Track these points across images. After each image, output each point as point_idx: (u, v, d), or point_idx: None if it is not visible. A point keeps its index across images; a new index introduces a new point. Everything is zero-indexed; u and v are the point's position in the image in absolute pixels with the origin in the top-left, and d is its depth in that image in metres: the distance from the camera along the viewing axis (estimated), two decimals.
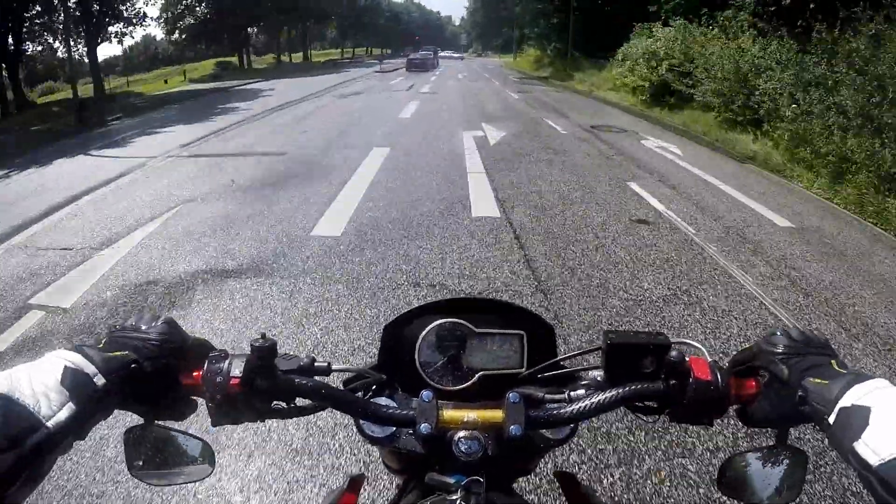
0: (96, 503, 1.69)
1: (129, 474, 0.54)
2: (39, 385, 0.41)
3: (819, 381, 0.47)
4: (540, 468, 1.69)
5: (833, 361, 0.50)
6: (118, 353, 0.48)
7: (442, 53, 57.70)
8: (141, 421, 0.53)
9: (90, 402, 0.43)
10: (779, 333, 0.53)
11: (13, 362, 2.27)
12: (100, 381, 0.45)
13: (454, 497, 0.51)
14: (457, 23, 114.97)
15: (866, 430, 0.41)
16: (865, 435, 0.40)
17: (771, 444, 0.55)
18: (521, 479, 0.72)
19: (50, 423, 0.40)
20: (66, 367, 0.43)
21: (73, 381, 0.43)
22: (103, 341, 0.51)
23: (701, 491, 1.73)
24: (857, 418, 0.42)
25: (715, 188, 5.35)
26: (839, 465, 1.79)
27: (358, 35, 64.67)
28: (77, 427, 0.42)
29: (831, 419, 0.44)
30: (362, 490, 0.86)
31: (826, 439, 0.45)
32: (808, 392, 0.47)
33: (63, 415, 0.41)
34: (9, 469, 0.36)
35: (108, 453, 1.85)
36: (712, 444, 1.91)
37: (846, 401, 0.43)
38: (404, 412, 0.56)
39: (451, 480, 0.54)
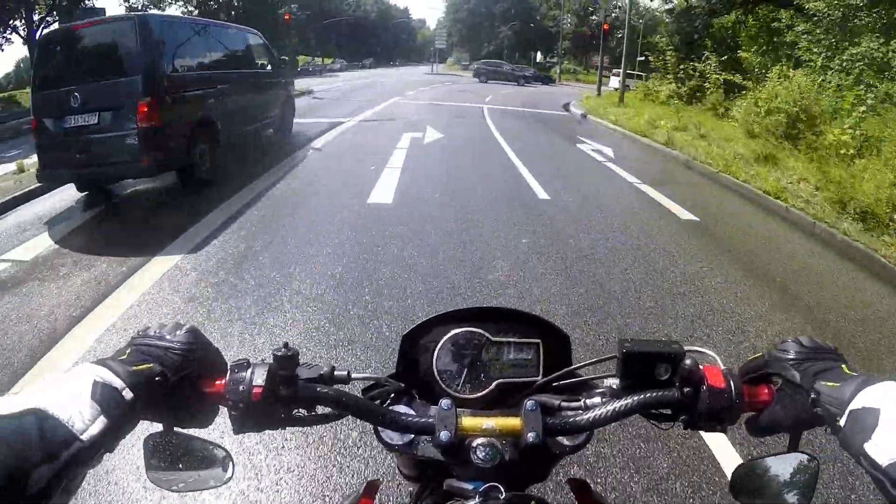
0: None
1: (148, 479, 0.55)
2: (72, 400, 0.42)
3: (831, 383, 0.48)
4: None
5: (843, 366, 0.50)
6: (143, 367, 0.49)
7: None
8: (160, 427, 0.54)
9: (120, 416, 0.44)
10: (790, 341, 0.54)
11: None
12: (128, 394, 0.45)
13: (472, 503, 0.52)
14: (432, 27, 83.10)
15: (876, 431, 0.41)
16: (876, 436, 0.41)
17: (783, 450, 0.55)
18: (534, 486, 0.72)
19: (84, 437, 0.40)
20: (95, 382, 0.44)
21: (103, 396, 0.44)
22: (127, 351, 0.52)
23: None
24: (868, 420, 0.42)
25: None
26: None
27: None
28: (108, 440, 0.43)
29: (842, 422, 0.45)
30: (377, 496, 0.87)
31: (838, 442, 0.46)
32: (821, 394, 0.48)
33: (96, 429, 0.42)
34: (46, 483, 0.37)
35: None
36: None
37: (857, 403, 0.44)
38: (423, 420, 0.56)
39: (470, 487, 0.55)
